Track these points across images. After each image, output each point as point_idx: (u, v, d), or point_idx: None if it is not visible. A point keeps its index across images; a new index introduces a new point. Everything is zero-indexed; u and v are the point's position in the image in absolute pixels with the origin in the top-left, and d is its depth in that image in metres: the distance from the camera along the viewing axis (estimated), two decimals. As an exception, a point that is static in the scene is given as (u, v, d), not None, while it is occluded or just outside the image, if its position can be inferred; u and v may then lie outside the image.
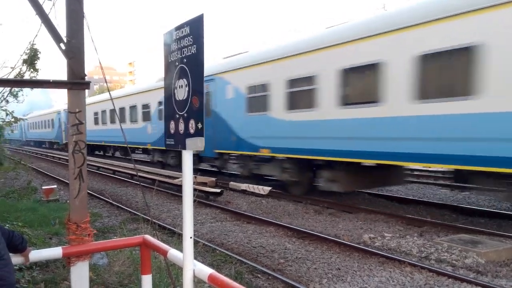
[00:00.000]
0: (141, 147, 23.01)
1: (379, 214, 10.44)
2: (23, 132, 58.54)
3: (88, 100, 30.03)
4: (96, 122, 29.51)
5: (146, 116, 21.72)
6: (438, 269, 6.51)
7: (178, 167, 18.71)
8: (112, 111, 26.17)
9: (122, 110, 24.62)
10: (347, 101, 10.65)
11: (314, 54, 11.48)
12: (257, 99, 13.55)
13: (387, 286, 6.01)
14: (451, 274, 6.30)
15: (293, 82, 12.19)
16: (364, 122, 10.21)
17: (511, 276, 6.38)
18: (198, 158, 17.38)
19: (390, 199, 12.46)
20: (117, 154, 29.81)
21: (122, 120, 24.37)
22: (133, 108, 23.36)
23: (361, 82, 10.51)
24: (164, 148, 16.86)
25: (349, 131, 10.57)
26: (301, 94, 11.98)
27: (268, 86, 13.03)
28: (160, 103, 19.82)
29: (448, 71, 8.63)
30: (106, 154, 31.13)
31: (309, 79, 11.64)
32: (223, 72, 15.24)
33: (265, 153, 13.41)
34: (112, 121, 26.92)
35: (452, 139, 8.45)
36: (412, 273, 6.43)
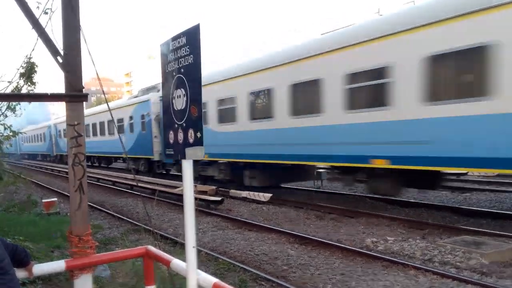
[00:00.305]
0: (118, 156, 27.41)
1: (381, 218, 10.42)
2: (18, 146, 58.79)
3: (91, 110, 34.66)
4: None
5: (121, 129, 24.57)
6: (442, 272, 6.49)
7: (149, 173, 22.31)
8: (94, 124, 29.33)
9: (102, 124, 28.10)
10: (254, 116, 14.18)
11: (234, 80, 15.11)
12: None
13: (392, 290, 5.98)
14: (456, 276, 6.29)
15: (221, 102, 15.78)
16: (266, 132, 13.55)
17: (515, 276, 6.36)
18: (162, 164, 21.41)
19: (391, 203, 12.44)
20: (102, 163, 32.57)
21: (102, 133, 28.16)
22: (110, 122, 26.50)
23: (260, 103, 14.28)
24: (135, 156, 19.95)
25: (258, 139, 13.88)
26: (226, 111, 15.51)
27: (206, 105, 16.14)
28: (130, 117, 23.58)
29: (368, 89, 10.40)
30: (93, 164, 33.04)
31: (231, 100, 15.17)
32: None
33: (205, 158, 16.05)
34: (94, 134, 29.69)
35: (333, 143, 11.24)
36: (417, 276, 6.40)
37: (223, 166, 16.52)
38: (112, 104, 28.19)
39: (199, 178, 17.21)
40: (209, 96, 16.01)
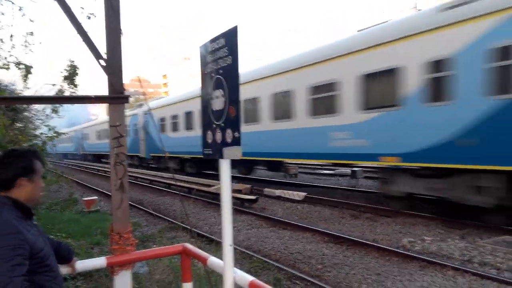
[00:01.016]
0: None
1: (418, 218, 10.23)
2: (79, 145, 55.40)
3: (92, 122, 49.15)
4: (98, 137, 42.33)
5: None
6: (482, 273, 6.33)
7: (139, 166, 30.68)
8: (107, 129, 37.64)
9: (105, 130, 35.72)
10: (188, 127, 22.00)
11: (178, 105, 23.66)
12: (162, 126, 25.71)
13: (429, 291, 5.89)
14: (496, 277, 6.12)
15: (174, 117, 24.07)
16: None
17: (560, 279, 6.14)
18: (139, 159, 30.60)
19: (429, 202, 12.18)
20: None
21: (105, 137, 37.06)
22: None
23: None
24: (129, 154, 21.54)
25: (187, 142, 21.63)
26: (175, 123, 23.99)
27: (164, 119, 25.36)
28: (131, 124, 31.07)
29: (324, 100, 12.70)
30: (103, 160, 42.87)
31: (175, 117, 23.84)
32: (153, 109, 26.17)
33: (167, 154, 25.04)
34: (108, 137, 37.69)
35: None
36: (455, 277, 6.28)
37: (177, 161, 24.77)
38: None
39: (164, 168, 25.44)
40: (167, 114, 25.05)
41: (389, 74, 10.46)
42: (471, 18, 8.79)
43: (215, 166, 20.42)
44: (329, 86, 12.48)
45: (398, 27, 10.63)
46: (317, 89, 12.97)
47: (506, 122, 8.23)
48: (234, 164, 18.44)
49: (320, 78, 12.83)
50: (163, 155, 24.80)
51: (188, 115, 21.64)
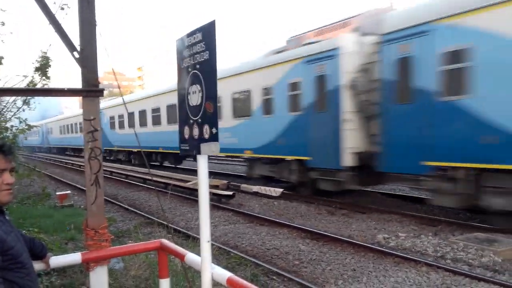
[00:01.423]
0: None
1: (393, 214, 10.39)
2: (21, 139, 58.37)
3: (55, 118, 51.82)
4: (61, 131, 46.18)
5: (80, 129, 37.34)
6: (454, 269, 6.47)
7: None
8: (69, 125, 42.31)
9: (74, 125, 39.99)
10: (131, 125, 26.20)
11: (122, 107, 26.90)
12: (112, 124, 29.61)
13: (403, 286, 5.98)
14: (468, 273, 6.26)
15: (120, 116, 28.24)
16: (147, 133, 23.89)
17: (529, 274, 6.32)
18: (77, 151, 38.42)
19: (403, 199, 12.39)
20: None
21: (71, 131, 41.53)
22: (77, 123, 38.66)
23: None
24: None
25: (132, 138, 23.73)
26: (121, 122, 28.25)
27: (113, 118, 29.34)
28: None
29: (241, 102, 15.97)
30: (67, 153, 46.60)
31: (121, 116, 28.02)
32: (105, 108, 29.49)
33: (115, 148, 29.48)
34: (69, 131, 42.49)
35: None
36: (429, 273, 6.39)
37: (124, 153, 28.84)
38: (75, 112, 43.63)
39: (115, 160, 30.06)
40: (117, 113, 28.86)
41: (246, 94, 15.45)
42: (280, 63, 13.67)
43: (157, 158, 24.76)
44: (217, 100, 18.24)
45: (251, 63, 15.64)
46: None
47: (297, 128, 13.06)
48: (166, 155, 23.71)
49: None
50: (113, 148, 30.01)
51: (131, 115, 26.45)
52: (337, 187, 11.90)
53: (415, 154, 9.53)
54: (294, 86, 13.03)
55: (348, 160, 11.28)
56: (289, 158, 13.45)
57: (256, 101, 14.81)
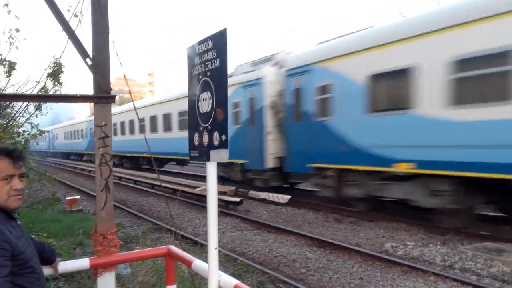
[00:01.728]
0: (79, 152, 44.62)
1: (401, 223, 10.33)
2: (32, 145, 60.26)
3: (60, 124, 55.41)
4: (65, 137, 49.88)
5: (82, 135, 42.19)
6: (462, 279, 6.41)
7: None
8: (73, 131, 46.05)
9: (77, 131, 43.90)
10: (123, 133, 29.61)
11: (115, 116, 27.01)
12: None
13: (411, 295, 5.94)
14: (476, 283, 6.20)
15: (114, 125, 27.77)
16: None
17: (539, 286, 6.25)
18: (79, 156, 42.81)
19: (411, 207, 12.29)
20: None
21: (74, 137, 45.46)
22: (79, 130, 43.13)
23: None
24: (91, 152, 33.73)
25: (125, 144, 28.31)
26: (114, 129, 28.50)
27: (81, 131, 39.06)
28: (82, 130, 41.62)
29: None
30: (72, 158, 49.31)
31: (115, 125, 29.02)
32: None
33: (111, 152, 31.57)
34: (72, 137, 46.36)
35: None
36: (436, 283, 6.34)
37: (118, 157, 30.64)
38: (76, 120, 48.97)
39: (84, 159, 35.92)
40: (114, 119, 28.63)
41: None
42: (229, 86, 13.86)
43: (143, 163, 27.65)
44: (169, 116, 22.50)
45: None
46: (165, 116, 22.95)
47: (238, 137, 15.87)
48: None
49: (167, 110, 22.76)
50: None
51: (122, 124, 29.35)
52: (264, 184, 15.22)
53: (303, 159, 12.99)
54: (236, 105, 16.35)
55: (270, 163, 14.64)
56: (235, 161, 16.33)
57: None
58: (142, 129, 26.61)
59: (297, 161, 13.40)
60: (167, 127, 22.93)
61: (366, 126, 10.71)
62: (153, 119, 24.67)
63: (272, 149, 14.58)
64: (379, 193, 10.96)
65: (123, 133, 29.59)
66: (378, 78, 10.43)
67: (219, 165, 16.02)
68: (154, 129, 24.56)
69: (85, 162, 40.38)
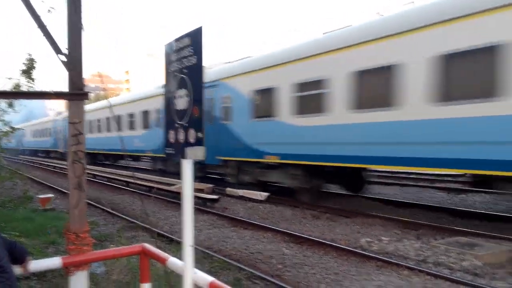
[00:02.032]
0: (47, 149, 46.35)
1: (376, 218, 10.48)
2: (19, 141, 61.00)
3: (28, 123, 53.46)
4: (34, 135, 51.77)
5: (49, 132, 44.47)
6: (435, 272, 6.55)
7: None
8: (39, 130, 48.24)
9: (39, 130, 48.22)
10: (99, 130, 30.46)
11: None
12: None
13: (386, 290, 6.03)
14: (449, 277, 6.35)
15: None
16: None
17: (508, 278, 6.43)
18: (60, 154, 39.03)
19: (386, 203, 12.51)
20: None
21: (42, 135, 47.65)
22: (46, 129, 45.52)
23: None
24: (55, 149, 42.57)
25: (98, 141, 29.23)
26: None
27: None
28: (49, 128, 44.08)
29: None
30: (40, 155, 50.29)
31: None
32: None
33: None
34: (40, 136, 48.65)
35: None
36: (410, 277, 6.46)
37: (91, 155, 30.28)
38: (44, 119, 50.31)
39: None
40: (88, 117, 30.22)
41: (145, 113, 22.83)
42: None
43: (123, 158, 29.20)
44: (132, 116, 24.53)
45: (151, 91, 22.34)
46: (131, 115, 24.67)
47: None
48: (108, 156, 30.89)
49: (132, 110, 24.49)
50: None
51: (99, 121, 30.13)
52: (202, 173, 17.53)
53: (214, 152, 15.66)
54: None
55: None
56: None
57: (153, 116, 21.72)
58: (100, 129, 30.18)
59: (211, 155, 15.82)
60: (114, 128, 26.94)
61: (251, 129, 14.30)
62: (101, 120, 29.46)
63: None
64: (262, 178, 14.51)
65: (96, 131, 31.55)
66: (257, 93, 13.99)
67: (161, 160, 20.83)
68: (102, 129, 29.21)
69: (58, 160, 40.23)
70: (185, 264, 2.68)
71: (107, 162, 31.78)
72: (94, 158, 32.04)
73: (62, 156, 36.92)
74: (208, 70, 15.79)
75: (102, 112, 28.72)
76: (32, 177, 22.98)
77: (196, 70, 2.45)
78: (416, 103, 9.27)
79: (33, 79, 6.44)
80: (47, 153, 47.84)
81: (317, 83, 11.62)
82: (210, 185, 15.39)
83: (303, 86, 12.05)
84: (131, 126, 24.37)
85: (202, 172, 17.55)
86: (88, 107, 30.31)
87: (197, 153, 2.47)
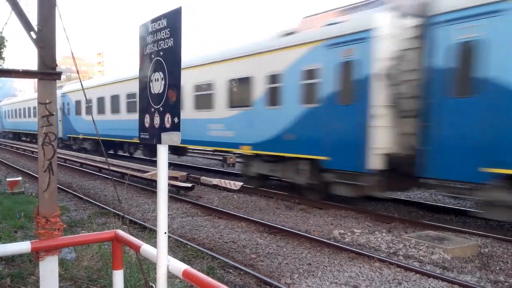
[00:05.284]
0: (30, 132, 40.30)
1: (349, 210, 10.59)
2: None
3: (14, 99, 48.14)
4: (17, 115, 43.84)
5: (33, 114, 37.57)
6: (406, 265, 6.66)
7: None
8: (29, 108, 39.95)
9: (29, 109, 39.32)
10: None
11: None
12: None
13: (357, 281, 6.10)
14: (419, 269, 6.46)
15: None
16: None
17: (475, 272, 6.59)
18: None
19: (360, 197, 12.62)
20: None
21: (27, 115, 40.04)
22: (29, 108, 39.12)
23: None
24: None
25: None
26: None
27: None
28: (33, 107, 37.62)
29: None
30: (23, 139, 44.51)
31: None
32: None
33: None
34: (24, 116, 41.43)
35: None
36: (381, 269, 6.55)
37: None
38: (26, 96, 44.94)
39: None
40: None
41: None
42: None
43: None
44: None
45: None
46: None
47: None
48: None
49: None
50: (78, 136, 27.53)
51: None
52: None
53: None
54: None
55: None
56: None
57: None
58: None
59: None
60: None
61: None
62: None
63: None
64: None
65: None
66: None
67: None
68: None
69: (28, 142, 38.72)
70: (158, 252, 2.62)
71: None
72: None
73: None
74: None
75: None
76: (1, 159, 22.41)
77: (173, 52, 2.37)
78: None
79: (3, 58, 6.22)
80: (33, 137, 39.47)
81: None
82: (184, 173, 15.27)
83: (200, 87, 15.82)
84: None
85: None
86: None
87: (173, 138, 2.41)
